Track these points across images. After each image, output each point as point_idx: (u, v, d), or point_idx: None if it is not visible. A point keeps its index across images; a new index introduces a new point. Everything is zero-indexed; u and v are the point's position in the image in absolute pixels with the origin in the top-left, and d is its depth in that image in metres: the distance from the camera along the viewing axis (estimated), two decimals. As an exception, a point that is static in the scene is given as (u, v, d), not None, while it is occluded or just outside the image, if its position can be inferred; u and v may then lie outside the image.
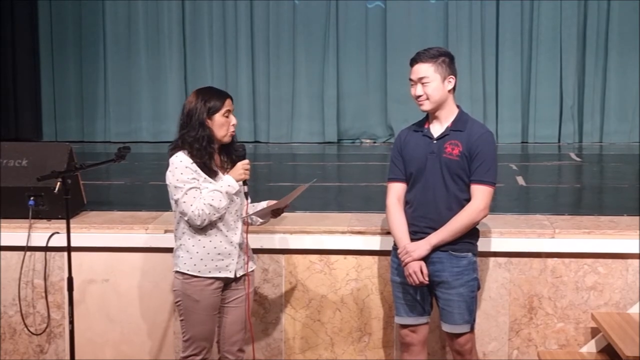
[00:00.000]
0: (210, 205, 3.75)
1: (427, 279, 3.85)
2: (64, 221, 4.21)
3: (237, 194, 3.85)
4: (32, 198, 4.81)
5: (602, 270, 4.58)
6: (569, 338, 4.64)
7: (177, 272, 3.91)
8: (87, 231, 4.85)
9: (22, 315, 4.86)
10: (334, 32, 11.06)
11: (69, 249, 4.20)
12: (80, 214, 5.14)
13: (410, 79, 3.91)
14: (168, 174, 3.83)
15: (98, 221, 4.99)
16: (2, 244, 4.85)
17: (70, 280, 4.21)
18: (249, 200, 3.91)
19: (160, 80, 11.29)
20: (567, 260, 4.60)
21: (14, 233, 4.84)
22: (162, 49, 11.27)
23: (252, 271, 4.08)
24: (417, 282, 3.85)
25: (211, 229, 3.85)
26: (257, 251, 4.71)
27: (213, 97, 3.83)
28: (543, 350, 4.65)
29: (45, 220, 4.89)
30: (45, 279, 4.85)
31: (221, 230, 3.86)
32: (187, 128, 3.84)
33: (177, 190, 3.79)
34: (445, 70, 3.86)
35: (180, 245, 3.91)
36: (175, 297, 3.95)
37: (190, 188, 3.77)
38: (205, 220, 3.77)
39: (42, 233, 4.81)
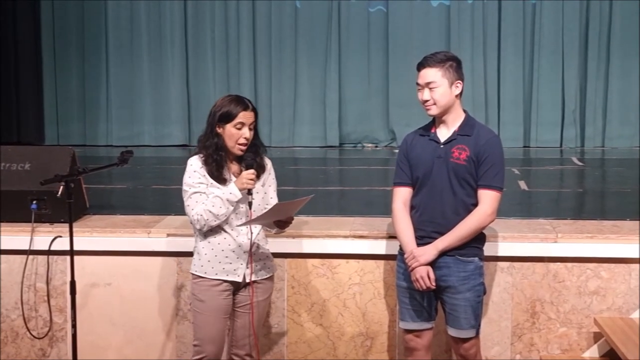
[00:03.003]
0: (210, 212, 3.77)
1: (434, 284, 3.84)
2: (67, 225, 4.21)
3: (243, 201, 3.84)
4: (34, 202, 4.82)
5: (604, 275, 4.57)
6: (571, 343, 4.63)
7: (190, 273, 3.99)
8: (90, 235, 4.86)
9: (24, 318, 4.86)
10: (335, 36, 11.06)
11: (71, 252, 4.19)
12: (82, 218, 5.14)
13: (417, 84, 3.90)
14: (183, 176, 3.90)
15: (100, 225, 4.99)
16: (5, 248, 4.86)
17: (72, 284, 4.21)
18: (253, 210, 3.85)
19: (162, 84, 11.28)
20: (569, 264, 4.60)
21: (17, 237, 4.84)
22: (165, 53, 11.27)
23: (267, 278, 4.05)
24: (425, 287, 3.84)
25: (221, 233, 3.87)
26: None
27: (230, 105, 3.82)
28: (546, 355, 4.65)
29: (47, 224, 4.89)
30: (47, 283, 4.85)
31: (230, 234, 3.88)
32: (203, 131, 3.87)
33: (184, 193, 3.85)
34: (453, 75, 3.85)
35: (195, 247, 3.98)
36: (190, 299, 4.00)
37: (195, 192, 3.80)
38: (204, 225, 3.79)
39: (44, 237, 4.81)
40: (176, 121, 11.12)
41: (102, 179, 7.05)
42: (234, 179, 3.84)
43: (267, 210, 3.90)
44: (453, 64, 3.86)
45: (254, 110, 3.87)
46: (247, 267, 3.91)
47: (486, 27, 10.89)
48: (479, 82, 10.81)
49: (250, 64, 11.20)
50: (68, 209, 4.16)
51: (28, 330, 4.87)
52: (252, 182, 3.80)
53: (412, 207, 3.97)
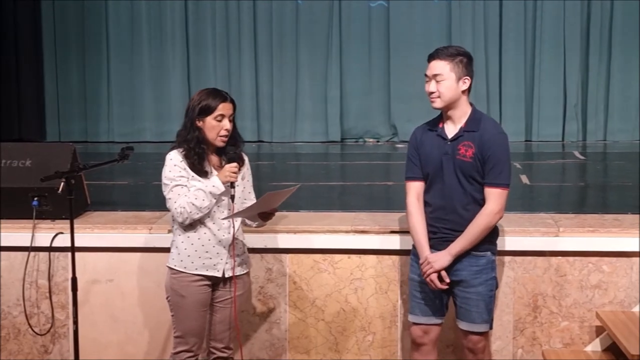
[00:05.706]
0: (192, 204, 3.77)
1: (447, 280, 3.86)
2: (68, 221, 4.21)
3: (225, 194, 3.85)
4: (35, 198, 4.81)
5: (606, 269, 4.57)
6: (573, 337, 4.63)
7: (168, 267, 3.97)
8: (91, 231, 4.85)
9: (26, 315, 4.87)
10: (337, 32, 11.07)
11: (72, 249, 4.20)
12: (84, 214, 5.14)
13: (426, 75, 3.89)
14: (162, 170, 3.89)
15: (102, 221, 4.99)
16: (6, 245, 4.86)
17: (74, 281, 4.21)
18: (234, 203, 3.87)
19: (163, 80, 11.30)
20: (571, 258, 4.59)
21: (18, 233, 4.84)
22: (165, 49, 11.28)
23: (245, 274, 4.08)
24: (438, 287, 3.86)
25: (201, 227, 3.87)
26: (261, 250, 4.72)
27: (209, 98, 3.84)
28: (548, 349, 4.65)
29: (49, 221, 4.89)
30: (49, 280, 4.85)
31: (210, 229, 3.88)
32: (183, 126, 3.87)
33: (165, 187, 3.86)
34: (462, 71, 3.84)
35: (173, 241, 3.98)
36: (165, 292, 4.00)
37: (176, 185, 3.81)
38: (187, 218, 3.80)
39: (46, 233, 4.81)
40: (177, 117, 11.06)
41: (104, 176, 7.05)
42: (214, 172, 3.86)
43: (257, 201, 3.91)
44: (463, 59, 3.86)
45: (232, 102, 3.89)
46: (227, 262, 3.93)
47: (487, 21, 10.89)
48: (481, 76, 10.80)
49: (252, 60, 11.21)
50: (69, 206, 4.16)
51: (30, 327, 4.88)
52: (235, 175, 3.83)
53: (425, 203, 3.97)
